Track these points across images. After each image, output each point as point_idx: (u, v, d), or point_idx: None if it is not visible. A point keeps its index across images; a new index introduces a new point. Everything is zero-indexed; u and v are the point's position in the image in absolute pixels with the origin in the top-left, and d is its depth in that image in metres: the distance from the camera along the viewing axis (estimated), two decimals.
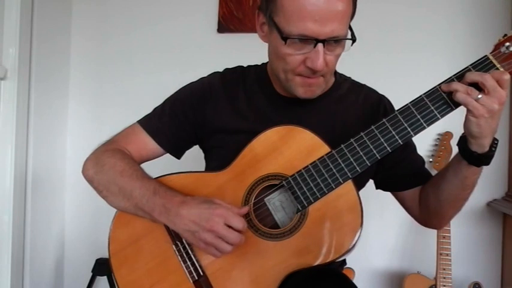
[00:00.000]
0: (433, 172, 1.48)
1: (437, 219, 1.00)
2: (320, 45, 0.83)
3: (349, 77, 1.08)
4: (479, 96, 0.77)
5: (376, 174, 1.05)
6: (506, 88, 0.78)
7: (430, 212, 0.99)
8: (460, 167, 0.87)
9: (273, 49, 0.92)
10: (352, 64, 1.07)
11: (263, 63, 1.08)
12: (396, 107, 0.87)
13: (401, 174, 1.03)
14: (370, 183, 1.09)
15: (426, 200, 0.99)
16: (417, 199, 1.02)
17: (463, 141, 0.85)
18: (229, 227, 0.82)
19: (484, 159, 0.83)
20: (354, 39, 0.87)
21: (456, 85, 0.80)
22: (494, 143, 0.83)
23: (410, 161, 1.03)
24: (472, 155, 0.83)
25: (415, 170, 1.03)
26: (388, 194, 1.10)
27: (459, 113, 0.83)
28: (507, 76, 0.78)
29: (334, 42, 0.84)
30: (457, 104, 0.81)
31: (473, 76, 0.79)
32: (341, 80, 1.06)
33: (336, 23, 0.82)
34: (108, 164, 0.94)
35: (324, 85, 0.94)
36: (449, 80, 0.82)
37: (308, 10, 0.80)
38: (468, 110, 0.79)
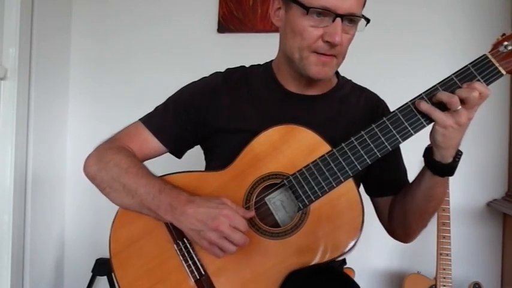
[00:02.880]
0: None
1: (402, 230, 1.01)
2: (339, 19, 0.87)
3: (350, 80, 1.10)
4: (459, 107, 0.78)
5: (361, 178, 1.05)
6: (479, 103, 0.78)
7: (396, 222, 1.01)
8: (424, 177, 0.89)
9: (290, 27, 0.93)
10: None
11: (266, 62, 1.08)
12: (396, 107, 0.87)
13: (381, 180, 1.03)
14: None
15: (393, 210, 1.00)
16: (388, 208, 1.03)
17: (428, 152, 0.87)
18: (234, 227, 0.82)
19: (446, 169, 0.85)
20: (368, 20, 0.92)
21: (441, 95, 0.80)
22: (458, 155, 0.85)
23: (392, 168, 1.04)
24: (435, 165, 0.85)
25: (394, 178, 1.04)
26: None
27: None
28: (480, 92, 0.78)
29: (349, 22, 0.90)
30: None
31: (461, 93, 0.78)
32: (343, 81, 1.08)
33: (354, 0, 0.88)
34: (112, 161, 0.94)
35: (335, 68, 0.96)
36: (449, 79, 0.82)
37: None
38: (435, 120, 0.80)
